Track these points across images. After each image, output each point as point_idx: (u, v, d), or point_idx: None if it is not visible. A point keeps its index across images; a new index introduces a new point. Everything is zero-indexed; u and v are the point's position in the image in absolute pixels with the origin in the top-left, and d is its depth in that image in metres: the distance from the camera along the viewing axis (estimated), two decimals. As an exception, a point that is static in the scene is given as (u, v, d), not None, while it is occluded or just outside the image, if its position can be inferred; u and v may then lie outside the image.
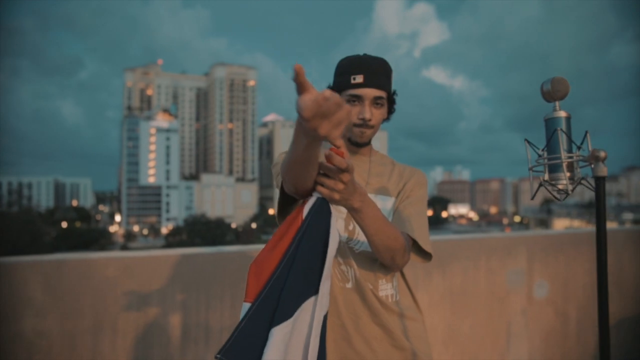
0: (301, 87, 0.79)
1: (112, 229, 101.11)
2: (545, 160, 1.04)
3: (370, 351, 1.27)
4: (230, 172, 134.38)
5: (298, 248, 1.04)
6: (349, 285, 1.29)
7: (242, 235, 77.32)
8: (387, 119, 1.39)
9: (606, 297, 0.91)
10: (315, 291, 1.05)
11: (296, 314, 1.02)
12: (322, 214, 1.06)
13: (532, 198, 1.02)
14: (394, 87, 1.38)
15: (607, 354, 0.93)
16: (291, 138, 0.97)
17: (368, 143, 1.39)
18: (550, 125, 1.04)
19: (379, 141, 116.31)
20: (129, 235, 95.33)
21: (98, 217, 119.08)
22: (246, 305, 1.05)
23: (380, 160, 1.45)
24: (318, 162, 0.98)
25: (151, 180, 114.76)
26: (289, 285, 1.03)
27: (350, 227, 1.32)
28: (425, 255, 1.32)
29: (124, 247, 75.39)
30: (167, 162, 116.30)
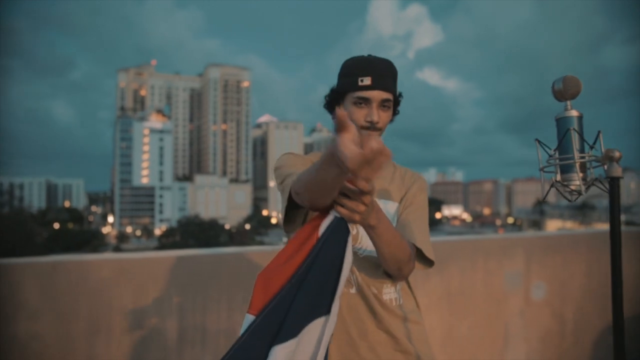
0: (341, 127, 0.79)
1: (105, 230, 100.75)
2: (557, 161, 1.02)
3: (375, 356, 1.25)
4: (224, 173, 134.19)
5: (311, 266, 1.02)
6: (353, 290, 1.28)
7: (236, 236, 77.15)
8: (391, 120, 1.37)
9: (621, 298, 0.90)
10: (326, 311, 1.02)
11: (301, 333, 0.99)
12: (339, 233, 1.03)
13: (544, 199, 1.00)
14: None
15: (622, 354, 0.92)
16: (315, 162, 0.95)
17: None
18: (562, 124, 1.02)
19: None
20: (122, 237, 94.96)
21: (90, 218, 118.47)
22: (249, 317, 1.02)
23: None
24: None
25: (144, 181, 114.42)
26: (298, 303, 1.00)
27: (354, 232, 1.30)
28: (427, 261, 1.31)
29: (117, 249, 74.97)
30: (161, 163, 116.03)
